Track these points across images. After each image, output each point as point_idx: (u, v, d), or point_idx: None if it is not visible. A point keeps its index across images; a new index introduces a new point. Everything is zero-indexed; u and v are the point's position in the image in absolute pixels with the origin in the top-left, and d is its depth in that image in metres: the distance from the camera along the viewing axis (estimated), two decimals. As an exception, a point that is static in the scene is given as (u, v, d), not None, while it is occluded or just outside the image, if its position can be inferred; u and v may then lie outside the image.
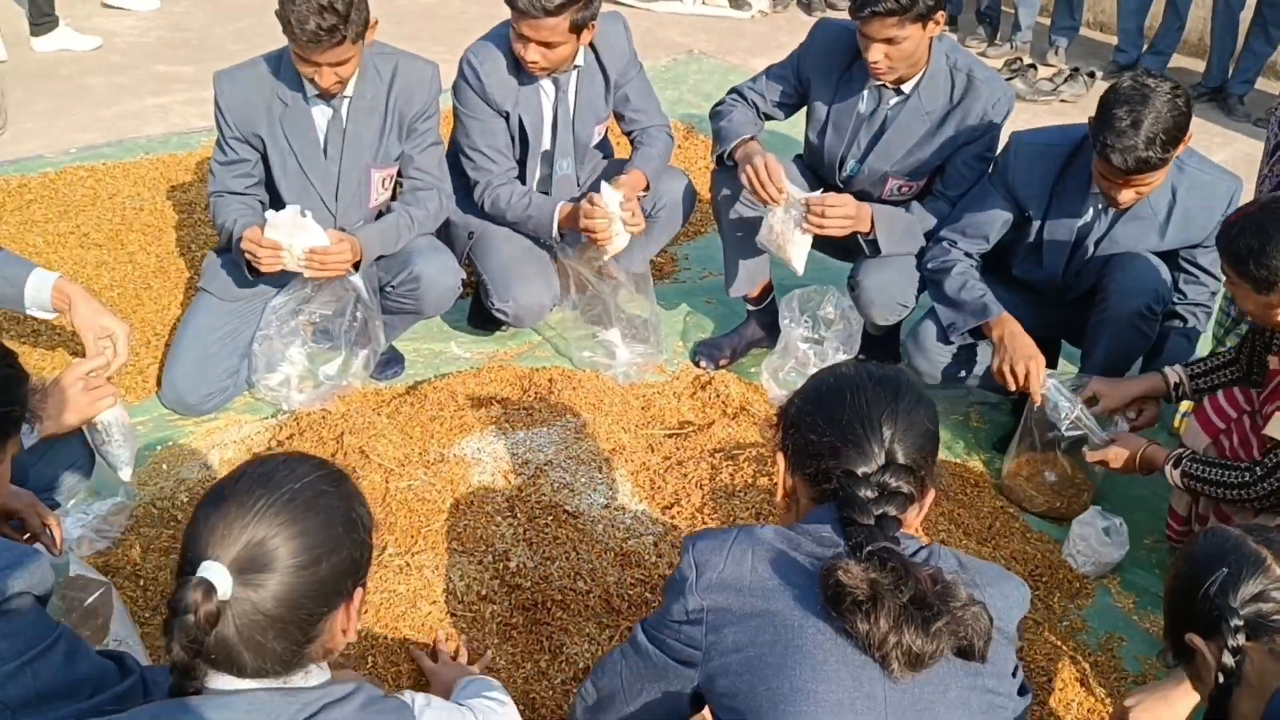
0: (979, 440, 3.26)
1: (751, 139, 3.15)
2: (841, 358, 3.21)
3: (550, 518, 2.53)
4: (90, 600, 2.05)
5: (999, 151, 3.10)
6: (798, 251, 3.07)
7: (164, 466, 2.80)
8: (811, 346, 3.21)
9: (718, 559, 1.48)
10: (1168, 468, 2.53)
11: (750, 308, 3.54)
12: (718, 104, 3.33)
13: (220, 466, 2.78)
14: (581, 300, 3.45)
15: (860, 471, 1.49)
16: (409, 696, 1.41)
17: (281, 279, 3.01)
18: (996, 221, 3.03)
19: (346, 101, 2.97)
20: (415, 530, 2.44)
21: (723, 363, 3.50)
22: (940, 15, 2.88)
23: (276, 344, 3.05)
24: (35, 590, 1.51)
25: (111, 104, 5.16)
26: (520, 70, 3.15)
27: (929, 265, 3.09)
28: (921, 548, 1.50)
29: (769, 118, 3.37)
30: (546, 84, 3.22)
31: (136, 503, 2.63)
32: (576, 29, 2.98)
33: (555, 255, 3.45)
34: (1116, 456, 2.67)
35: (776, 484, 1.65)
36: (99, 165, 4.37)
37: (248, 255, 2.85)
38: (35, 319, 2.61)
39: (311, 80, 2.84)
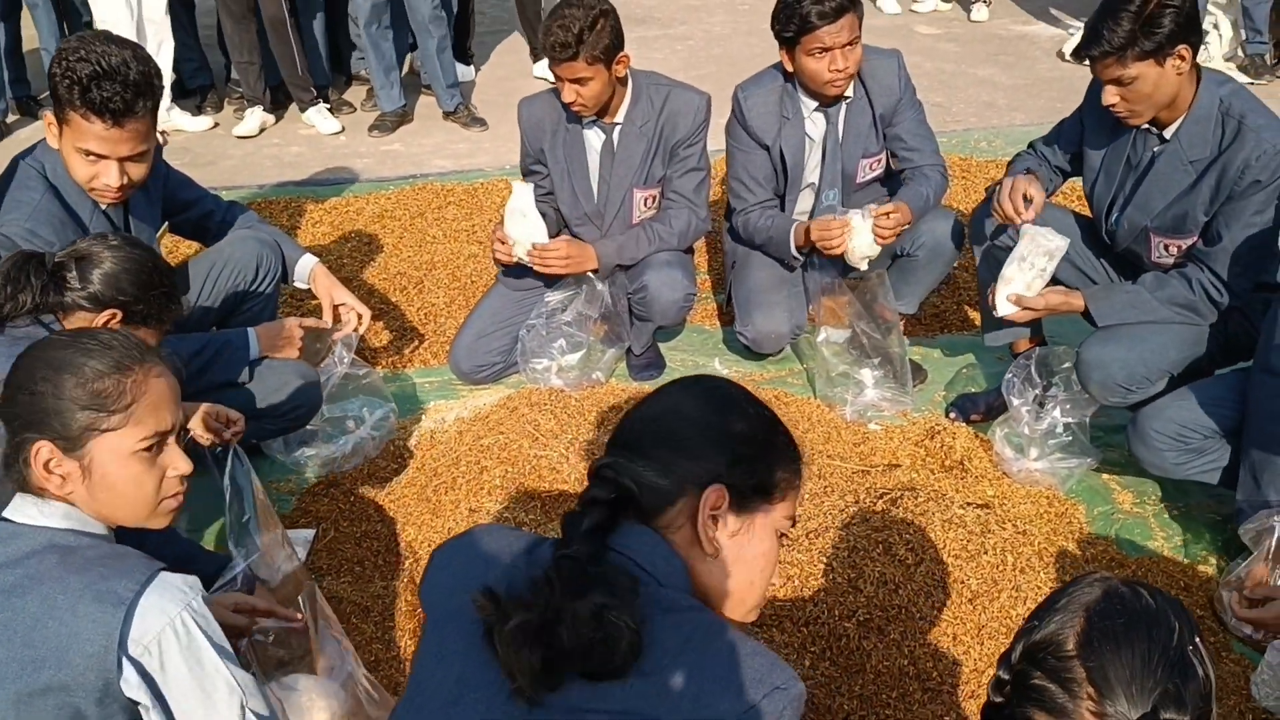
0: (1208, 537, 2.82)
1: (1028, 172, 3.01)
2: (1067, 422, 2.95)
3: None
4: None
5: None
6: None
7: (422, 419, 3.38)
8: (1031, 409, 2.97)
9: (451, 563, 1.39)
10: None
11: (1016, 364, 3.35)
12: (1016, 155, 3.21)
13: (452, 424, 3.28)
14: (841, 335, 3.48)
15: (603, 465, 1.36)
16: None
17: (557, 278, 3.44)
18: None
19: (618, 127, 3.34)
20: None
21: (975, 418, 3.34)
22: (1184, 49, 2.57)
23: (541, 333, 3.49)
24: None
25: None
26: (785, 105, 3.30)
27: None
28: (694, 609, 1.27)
29: (1063, 172, 3.17)
30: (817, 116, 3.33)
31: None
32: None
33: (817, 293, 3.52)
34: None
35: None
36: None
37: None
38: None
39: (559, 95, 3.24)
